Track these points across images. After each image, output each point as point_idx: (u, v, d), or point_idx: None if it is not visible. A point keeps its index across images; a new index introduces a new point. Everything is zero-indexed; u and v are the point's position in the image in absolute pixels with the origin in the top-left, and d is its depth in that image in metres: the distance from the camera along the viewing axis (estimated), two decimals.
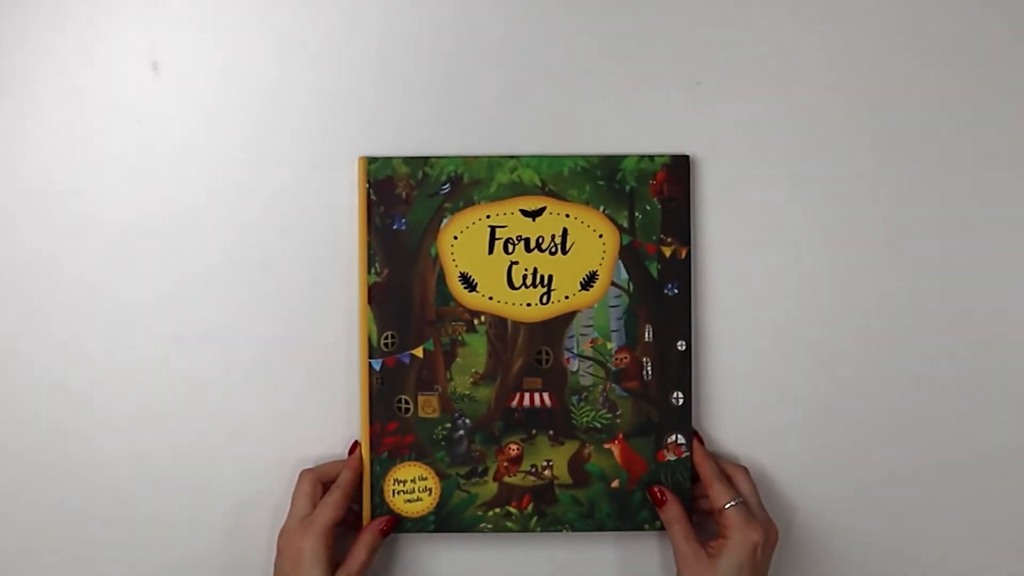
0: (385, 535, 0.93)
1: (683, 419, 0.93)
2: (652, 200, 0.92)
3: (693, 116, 0.94)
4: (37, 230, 0.95)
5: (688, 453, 0.93)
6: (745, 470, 0.93)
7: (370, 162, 0.92)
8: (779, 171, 0.94)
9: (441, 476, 0.93)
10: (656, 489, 0.93)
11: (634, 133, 0.93)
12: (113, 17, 0.94)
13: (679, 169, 0.92)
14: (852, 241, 0.95)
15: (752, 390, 0.95)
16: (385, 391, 0.93)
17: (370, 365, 0.93)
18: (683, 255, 0.93)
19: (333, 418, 0.95)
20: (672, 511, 0.92)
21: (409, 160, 0.92)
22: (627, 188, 0.92)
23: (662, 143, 0.93)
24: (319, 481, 0.92)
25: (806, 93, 0.94)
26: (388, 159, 0.92)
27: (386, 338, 0.93)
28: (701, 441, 0.94)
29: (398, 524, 0.93)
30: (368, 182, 0.92)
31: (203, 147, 0.94)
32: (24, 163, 0.94)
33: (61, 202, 0.94)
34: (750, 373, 0.95)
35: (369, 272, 0.92)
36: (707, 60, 0.94)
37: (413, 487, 0.93)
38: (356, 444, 0.94)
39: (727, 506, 0.89)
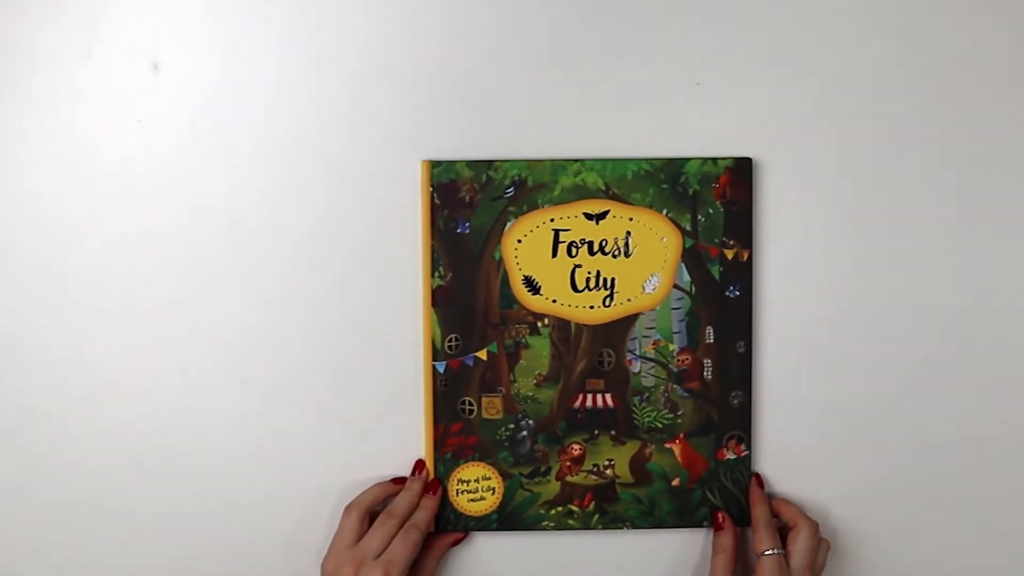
0: (455, 545, 0.96)
1: (742, 419, 0.95)
2: (715, 203, 0.93)
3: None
4: (37, 229, 0.94)
5: (747, 452, 0.95)
6: (813, 526, 0.92)
7: (433, 166, 0.92)
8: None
9: (504, 476, 0.95)
10: (720, 514, 0.95)
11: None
12: (113, 17, 0.93)
13: (742, 172, 0.92)
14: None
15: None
16: (449, 393, 0.94)
17: (434, 367, 0.94)
18: (745, 257, 0.93)
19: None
20: (724, 540, 0.94)
21: (473, 164, 0.92)
22: (690, 191, 0.92)
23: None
24: (369, 513, 0.93)
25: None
26: (452, 163, 0.92)
27: (450, 341, 0.93)
28: (760, 484, 0.95)
29: (462, 524, 0.95)
30: (432, 186, 0.92)
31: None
32: (24, 163, 0.93)
33: (62, 202, 0.94)
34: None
35: (433, 275, 0.93)
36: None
37: (476, 487, 0.95)
38: (421, 463, 0.95)
39: (765, 552, 0.91)
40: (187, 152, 0.94)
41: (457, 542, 0.96)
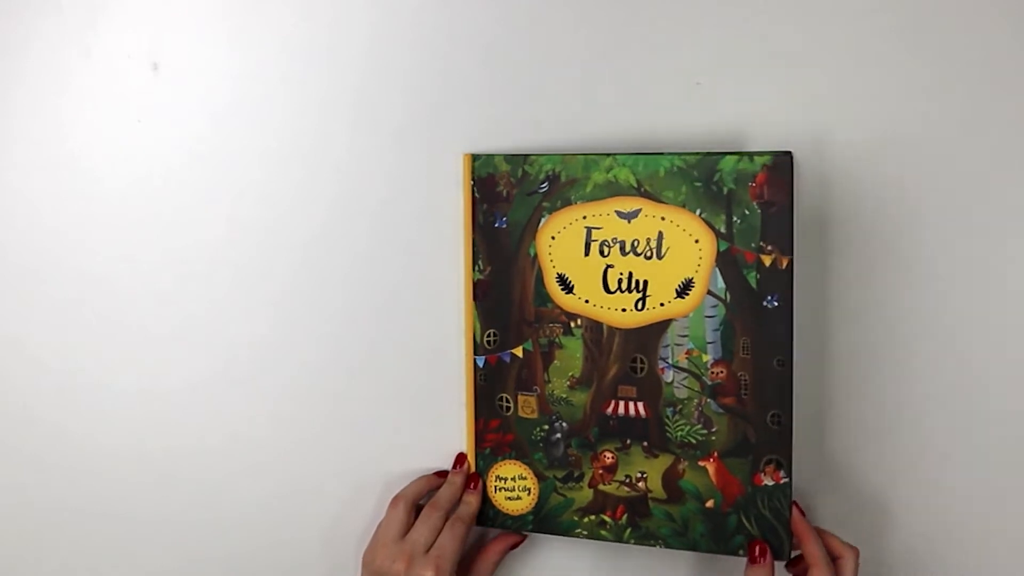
0: (514, 548, 0.95)
1: (781, 442, 0.85)
2: (751, 203, 0.84)
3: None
4: (37, 230, 0.96)
5: (787, 480, 0.85)
6: (856, 554, 0.84)
7: (474, 159, 0.92)
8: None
9: (539, 477, 0.93)
10: (758, 545, 0.86)
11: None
12: (113, 17, 0.93)
13: (781, 170, 0.83)
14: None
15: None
16: (487, 388, 0.93)
17: (474, 362, 0.94)
18: (784, 264, 0.84)
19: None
20: (760, 574, 0.85)
21: (510, 157, 0.90)
22: (724, 190, 0.84)
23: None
24: (415, 505, 0.93)
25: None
26: (491, 156, 0.91)
27: (489, 336, 0.93)
28: (802, 512, 0.86)
29: (501, 521, 0.95)
30: (472, 179, 0.92)
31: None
32: (24, 163, 0.95)
33: (62, 202, 0.95)
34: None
35: (474, 269, 0.93)
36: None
37: (514, 485, 0.94)
38: (462, 457, 0.95)
39: None
40: (187, 152, 0.94)
41: (516, 545, 0.95)
